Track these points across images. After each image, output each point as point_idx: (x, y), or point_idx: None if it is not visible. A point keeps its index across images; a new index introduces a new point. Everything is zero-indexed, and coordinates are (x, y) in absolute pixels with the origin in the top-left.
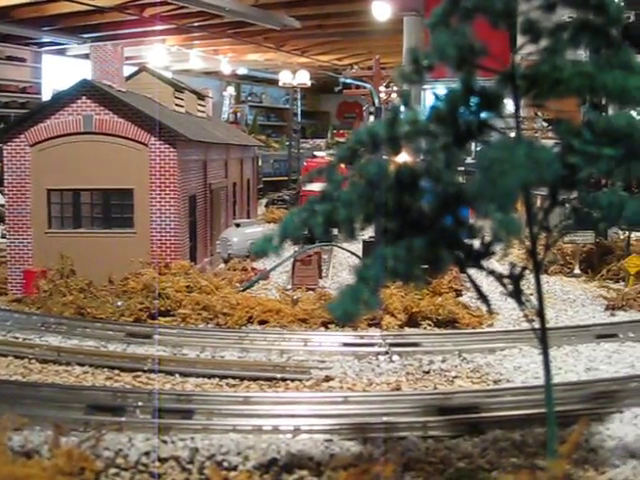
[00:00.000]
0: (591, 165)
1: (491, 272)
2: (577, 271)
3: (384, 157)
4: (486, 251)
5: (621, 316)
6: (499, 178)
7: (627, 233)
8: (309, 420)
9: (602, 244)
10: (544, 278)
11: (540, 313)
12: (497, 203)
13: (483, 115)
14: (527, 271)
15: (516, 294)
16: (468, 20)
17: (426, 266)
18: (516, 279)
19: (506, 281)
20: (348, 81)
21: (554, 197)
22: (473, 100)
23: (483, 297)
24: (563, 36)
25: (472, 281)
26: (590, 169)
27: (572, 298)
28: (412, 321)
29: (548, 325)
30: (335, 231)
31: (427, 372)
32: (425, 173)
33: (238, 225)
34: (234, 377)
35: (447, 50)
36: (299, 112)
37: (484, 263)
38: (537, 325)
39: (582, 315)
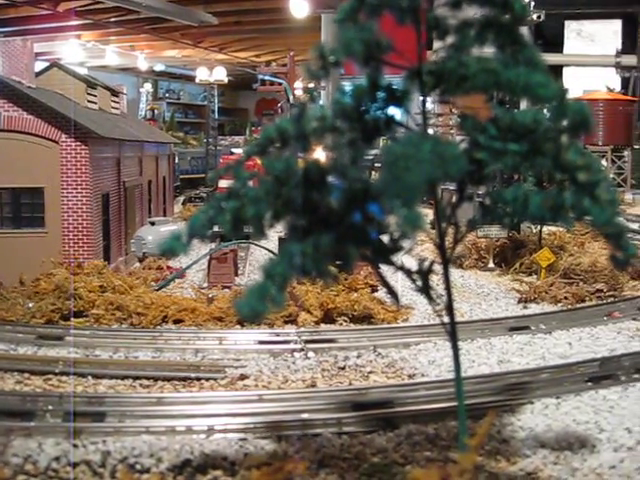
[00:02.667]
0: (497, 160)
1: (400, 268)
2: (491, 265)
3: (299, 154)
4: (394, 247)
5: (533, 308)
6: (404, 174)
7: (539, 227)
8: (223, 419)
9: (515, 238)
10: (459, 272)
11: (449, 307)
12: (402, 199)
13: (390, 111)
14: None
15: (425, 289)
16: (375, 16)
17: (338, 262)
18: (425, 274)
19: (416, 276)
20: (266, 78)
21: (462, 192)
22: (380, 96)
23: (392, 292)
24: (469, 33)
25: (380, 276)
26: (496, 164)
27: (486, 292)
28: (328, 317)
29: (463, 319)
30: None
31: (342, 368)
32: (332, 169)
33: (153, 223)
34: (148, 378)
35: (353, 46)
36: (216, 109)
37: (394, 259)
38: (447, 319)
39: (495, 308)
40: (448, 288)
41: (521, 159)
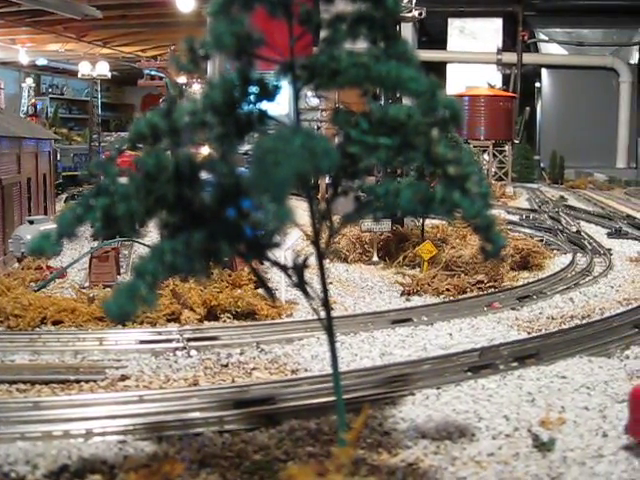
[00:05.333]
0: (370, 154)
1: (275, 263)
2: (375, 259)
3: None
4: (269, 242)
5: (416, 301)
6: (273, 168)
7: (421, 220)
8: (102, 422)
9: (399, 232)
10: (344, 267)
11: (325, 302)
12: (271, 194)
13: (262, 106)
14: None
15: (300, 285)
16: (248, 9)
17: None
18: (300, 270)
19: (291, 272)
20: (152, 73)
21: (336, 187)
22: (252, 90)
23: (266, 287)
24: (342, 27)
25: (255, 272)
26: (370, 158)
27: (370, 285)
28: (211, 315)
29: (346, 313)
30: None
31: (225, 365)
32: (203, 165)
33: (32, 222)
34: (25, 382)
35: (224, 39)
36: (99, 104)
37: (269, 254)
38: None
39: (379, 301)
40: (323, 283)
41: (394, 153)
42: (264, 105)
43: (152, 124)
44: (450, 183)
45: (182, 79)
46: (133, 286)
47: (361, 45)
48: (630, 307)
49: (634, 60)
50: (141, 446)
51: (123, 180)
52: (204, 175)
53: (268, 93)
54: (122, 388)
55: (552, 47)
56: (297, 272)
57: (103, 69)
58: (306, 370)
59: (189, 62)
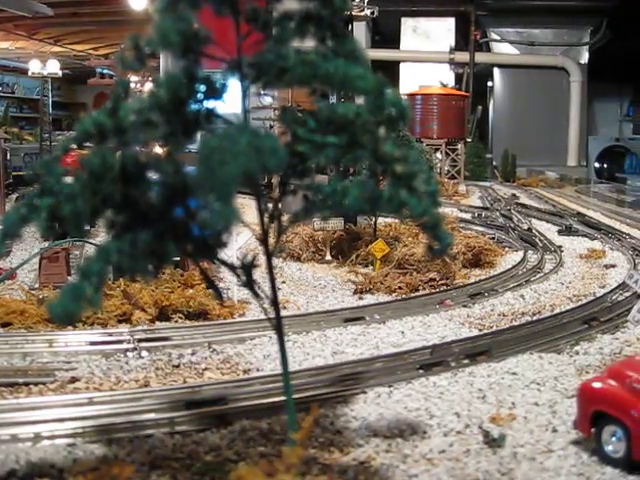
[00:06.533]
0: (319, 153)
1: (223, 263)
2: (328, 257)
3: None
4: (217, 242)
5: (368, 299)
6: (219, 167)
7: (374, 219)
8: (51, 425)
9: (352, 230)
10: (297, 265)
11: (274, 302)
12: (217, 193)
13: (211, 104)
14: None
15: (249, 284)
16: (195, 7)
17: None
18: (248, 269)
19: (240, 271)
20: (105, 71)
21: (285, 185)
22: (199, 89)
23: (214, 287)
24: (289, 25)
25: (202, 271)
26: (318, 157)
27: (323, 284)
28: (163, 315)
29: (299, 312)
30: (87, 226)
31: (177, 366)
32: (149, 164)
33: None
34: None
35: (170, 37)
36: (50, 103)
37: (218, 254)
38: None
39: (332, 300)
40: (272, 282)
41: (342, 151)
42: (213, 104)
43: (98, 123)
44: (397, 181)
45: (134, 77)
46: (78, 287)
47: (310, 43)
48: (580, 303)
49: (584, 60)
50: (91, 449)
51: (69, 180)
52: (152, 174)
53: (215, 92)
54: (72, 390)
55: (504, 47)
56: (245, 271)
57: (54, 67)
58: (258, 370)
59: (134, 60)
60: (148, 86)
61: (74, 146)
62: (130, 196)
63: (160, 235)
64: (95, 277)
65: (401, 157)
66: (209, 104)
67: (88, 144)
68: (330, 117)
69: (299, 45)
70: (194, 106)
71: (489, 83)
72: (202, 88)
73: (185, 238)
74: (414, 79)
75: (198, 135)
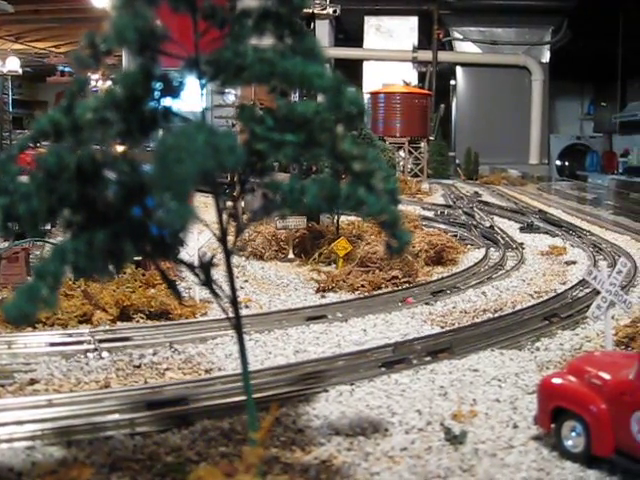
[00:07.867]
0: (277, 151)
1: (181, 262)
2: (291, 256)
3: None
4: (175, 241)
5: (331, 297)
6: (174, 166)
7: (337, 217)
8: (10, 428)
9: (314, 229)
10: (260, 264)
11: (233, 301)
12: (172, 192)
13: (167, 102)
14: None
15: (208, 283)
16: (152, 4)
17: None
18: (206, 268)
19: (198, 270)
20: (67, 69)
21: (243, 184)
22: (156, 87)
23: (172, 287)
24: (247, 23)
25: (160, 271)
26: (277, 155)
27: (286, 282)
28: (124, 315)
29: (261, 310)
30: (48, 226)
31: (138, 366)
32: (105, 162)
33: None
34: None
35: (126, 34)
36: (10, 101)
37: (177, 253)
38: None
39: (294, 299)
40: (231, 281)
41: (300, 150)
42: (171, 102)
43: (54, 121)
44: (355, 179)
45: (95, 76)
46: (33, 288)
47: (269, 41)
48: (541, 300)
49: (545, 59)
50: (50, 451)
51: (25, 179)
52: (109, 173)
53: (172, 89)
54: (31, 392)
55: (466, 45)
56: (204, 271)
57: (14, 65)
58: (220, 369)
59: (90, 58)
60: (108, 84)
61: (30, 145)
62: (87, 195)
63: (117, 235)
64: (51, 277)
65: (359, 155)
66: (166, 102)
67: (45, 142)
68: (288, 115)
69: (257, 43)
70: (151, 104)
71: (452, 82)
72: (159, 86)
73: (143, 237)
74: (377, 77)
75: (159, 133)
